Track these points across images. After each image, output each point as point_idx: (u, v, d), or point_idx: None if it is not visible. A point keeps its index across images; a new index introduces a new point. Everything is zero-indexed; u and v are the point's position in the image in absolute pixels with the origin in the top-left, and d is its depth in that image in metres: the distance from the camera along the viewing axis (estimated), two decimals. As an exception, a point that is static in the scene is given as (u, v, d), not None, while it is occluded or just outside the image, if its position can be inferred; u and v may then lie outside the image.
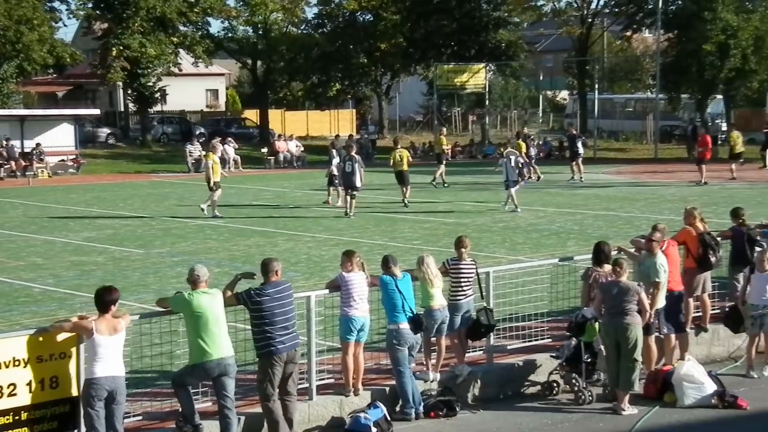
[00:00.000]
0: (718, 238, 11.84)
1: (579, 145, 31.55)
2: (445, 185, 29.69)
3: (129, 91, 49.08)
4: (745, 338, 11.93)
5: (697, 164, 30.30)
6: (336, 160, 24.98)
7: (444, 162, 30.95)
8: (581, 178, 30.93)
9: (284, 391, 8.89)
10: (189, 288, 8.69)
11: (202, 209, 22.91)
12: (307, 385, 9.43)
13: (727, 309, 11.91)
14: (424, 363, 10.18)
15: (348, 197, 22.95)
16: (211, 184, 23.05)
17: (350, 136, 47.23)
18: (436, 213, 23.39)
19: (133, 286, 14.74)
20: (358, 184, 22.94)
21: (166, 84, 49.72)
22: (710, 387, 10.07)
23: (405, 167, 25.08)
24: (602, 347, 10.18)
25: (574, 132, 34.01)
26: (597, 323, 10.15)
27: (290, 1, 51.20)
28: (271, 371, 8.72)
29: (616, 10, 50.91)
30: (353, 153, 23.50)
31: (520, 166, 24.09)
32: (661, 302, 10.59)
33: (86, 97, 61.57)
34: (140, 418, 8.73)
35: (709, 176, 30.04)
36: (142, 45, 44.17)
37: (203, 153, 30.87)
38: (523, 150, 28.12)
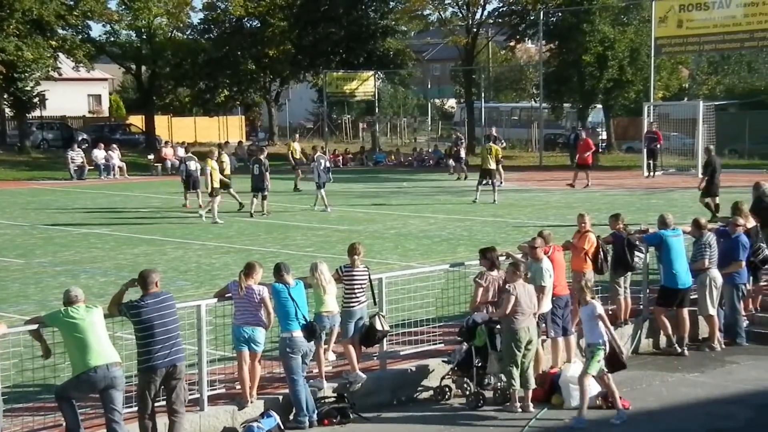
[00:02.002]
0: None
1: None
2: (299, 190, 30.41)
3: (5, 96, 47.14)
4: (627, 339, 12.41)
5: (579, 169, 31.16)
6: (192, 164, 26.35)
7: (299, 168, 31.47)
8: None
9: (170, 409, 8.65)
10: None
11: (201, 215, 23.23)
12: (198, 395, 9.27)
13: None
14: (318, 371, 10.14)
15: (259, 199, 24.19)
16: (209, 189, 23.19)
17: (239, 143, 46.82)
18: (329, 220, 23.38)
19: (13, 297, 14.17)
20: (267, 185, 24.23)
21: (46, 89, 47.99)
22: (595, 388, 10.37)
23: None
24: (503, 350, 10.21)
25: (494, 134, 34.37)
26: (497, 327, 10.27)
27: (174, 6, 50.24)
28: (147, 386, 8.50)
29: (500, 20, 52.08)
30: (261, 157, 24.63)
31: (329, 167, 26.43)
32: (547, 306, 10.88)
33: (-42, 102, 58.79)
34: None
35: (592, 183, 31.07)
36: (18, 48, 42.39)
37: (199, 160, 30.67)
38: (500, 154, 27.60)
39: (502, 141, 36.47)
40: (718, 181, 21.64)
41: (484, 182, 26.84)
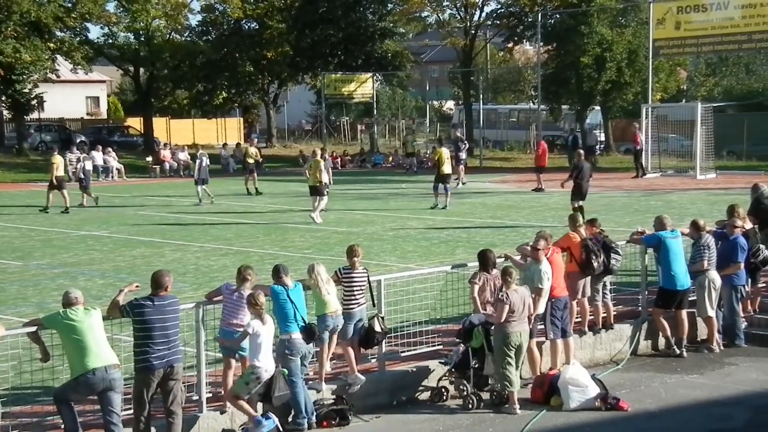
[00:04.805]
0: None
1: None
2: (260, 193, 30.55)
3: (3, 98, 47.15)
4: (626, 341, 12.41)
5: (536, 172, 31.33)
6: (82, 164, 28.50)
7: (254, 171, 31.57)
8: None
9: (167, 410, 8.63)
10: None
11: (313, 218, 22.69)
12: (197, 397, 9.26)
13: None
14: (319, 372, 10.13)
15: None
16: (319, 185, 23.22)
17: (238, 144, 46.81)
18: (327, 222, 23.36)
19: (12, 299, 14.16)
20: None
21: (44, 90, 48.03)
22: (594, 390, 10.35)
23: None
24: (494, 352, 10.26)
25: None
26: (492, 328, 10.26)
27: (173, 8, 50.25)
28: (144, 387, 8.49)
29: (498, 22, 52.13)
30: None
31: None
32: (542, 308, 10.86)
33: (-45, 104, 58.74)
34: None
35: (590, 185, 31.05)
36: (16, 50, 42.40)
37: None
38: (443, 158, 26.74)
39: (465, 143, 36.21)
40: (586, 186, 22.03)
41: (444, 185, 26.03)
